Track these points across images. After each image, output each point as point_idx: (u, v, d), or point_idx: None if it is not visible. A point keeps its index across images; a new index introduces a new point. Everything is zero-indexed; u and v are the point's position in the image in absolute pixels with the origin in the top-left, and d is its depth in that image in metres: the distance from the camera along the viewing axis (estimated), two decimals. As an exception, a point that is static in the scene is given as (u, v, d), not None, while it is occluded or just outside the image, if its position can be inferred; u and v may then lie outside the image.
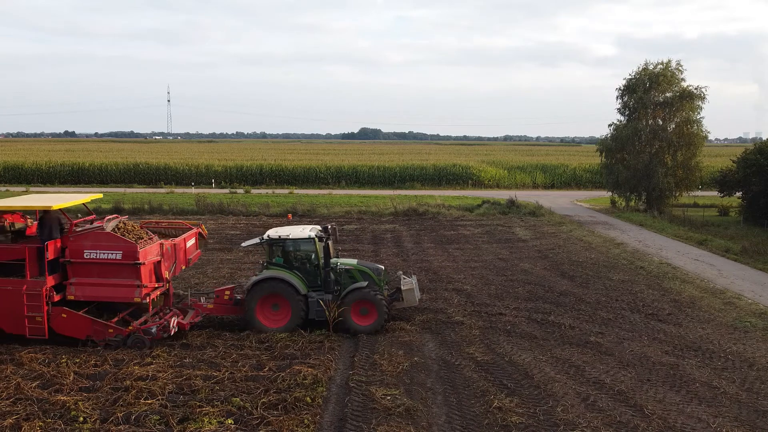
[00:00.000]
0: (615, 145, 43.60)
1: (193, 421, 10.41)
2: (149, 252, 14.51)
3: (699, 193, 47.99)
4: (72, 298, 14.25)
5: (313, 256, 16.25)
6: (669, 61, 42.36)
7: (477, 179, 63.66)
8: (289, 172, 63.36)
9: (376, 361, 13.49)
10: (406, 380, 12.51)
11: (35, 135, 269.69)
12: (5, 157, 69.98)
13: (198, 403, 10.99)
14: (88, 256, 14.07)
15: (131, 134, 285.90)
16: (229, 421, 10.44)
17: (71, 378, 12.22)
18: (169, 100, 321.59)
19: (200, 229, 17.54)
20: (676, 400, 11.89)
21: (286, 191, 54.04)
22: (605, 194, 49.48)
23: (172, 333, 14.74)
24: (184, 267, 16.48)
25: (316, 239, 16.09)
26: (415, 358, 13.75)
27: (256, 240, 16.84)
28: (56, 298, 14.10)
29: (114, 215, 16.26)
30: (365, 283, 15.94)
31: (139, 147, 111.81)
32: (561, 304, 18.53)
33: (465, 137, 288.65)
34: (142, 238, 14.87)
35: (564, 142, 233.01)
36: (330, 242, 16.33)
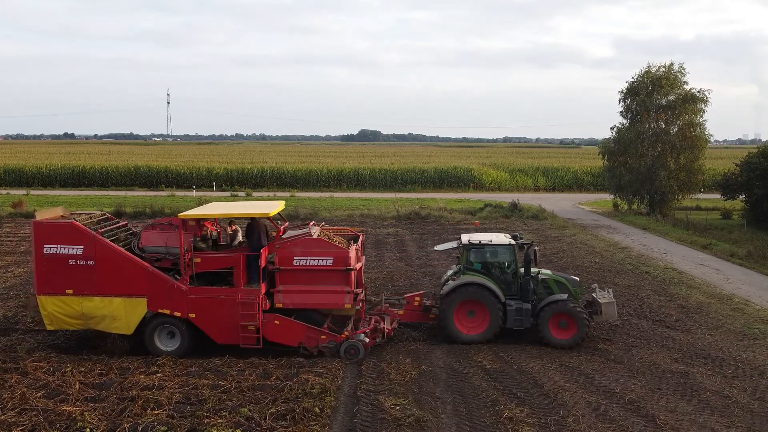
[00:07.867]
0: (617, 147, 43.48)
1: (201, 432, 10.28)
2: (354, 257, 14.30)
3: (701, 195, 47.87)
4: (280, 305, 14.05)
5: (507, 263, 15.89)
6: (671, 64, 42.35)
7: (478, 182, 63.57)
8: (290, 175, 63.22)
9: (383, 369, 13.38)
10: (415, 389, 12.39)
11: (34, 137, 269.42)
12: (5, 160, 69.84)
13: (205, 414, 10.86)
14: (298, 263, 13.92)
15: (131, 136, 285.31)
16: (238, 432, 10.31)
17: (77, 387, 12.05)
18: (168, 102, 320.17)
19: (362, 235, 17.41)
20: (688, 410, 11.77)
21: (287, 194, 53.84)
22: (607, 197, 49.41)
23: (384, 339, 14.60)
24: None
25: (516, 246, 15.78)
26: (423, 367, 13.64)
27: (453, 244, 16.61)
28: (267, 305, 13.93)
29: (312, 221, 16.06)
30: (565, 296, 15.53)
31: (140, 149, 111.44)
32: (567, 310, 18.36)
33: (465, 139, 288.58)
34: (342, 245, 14.63)
35: (564, 143, 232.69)
36: (536, 249, 15.94)
